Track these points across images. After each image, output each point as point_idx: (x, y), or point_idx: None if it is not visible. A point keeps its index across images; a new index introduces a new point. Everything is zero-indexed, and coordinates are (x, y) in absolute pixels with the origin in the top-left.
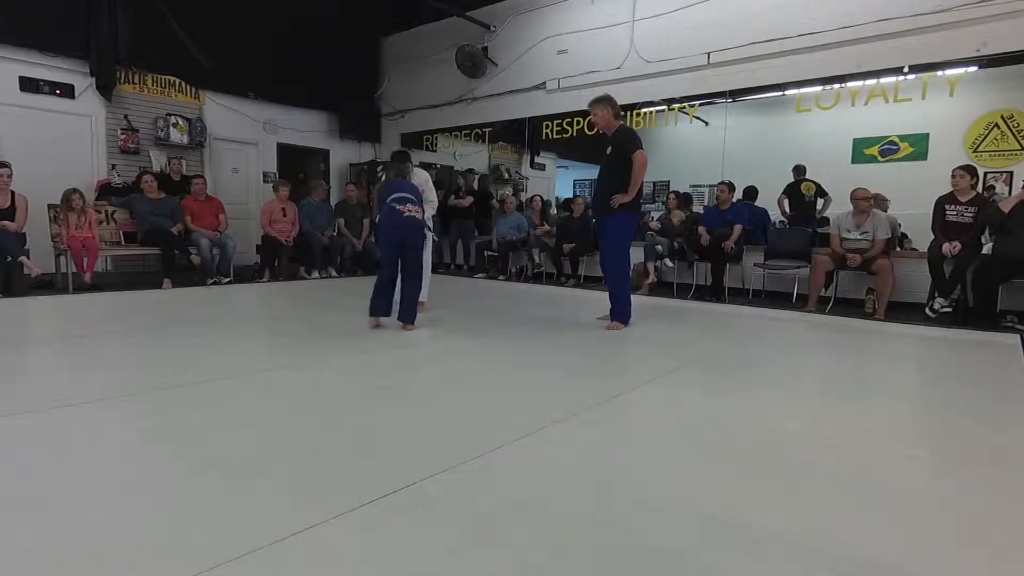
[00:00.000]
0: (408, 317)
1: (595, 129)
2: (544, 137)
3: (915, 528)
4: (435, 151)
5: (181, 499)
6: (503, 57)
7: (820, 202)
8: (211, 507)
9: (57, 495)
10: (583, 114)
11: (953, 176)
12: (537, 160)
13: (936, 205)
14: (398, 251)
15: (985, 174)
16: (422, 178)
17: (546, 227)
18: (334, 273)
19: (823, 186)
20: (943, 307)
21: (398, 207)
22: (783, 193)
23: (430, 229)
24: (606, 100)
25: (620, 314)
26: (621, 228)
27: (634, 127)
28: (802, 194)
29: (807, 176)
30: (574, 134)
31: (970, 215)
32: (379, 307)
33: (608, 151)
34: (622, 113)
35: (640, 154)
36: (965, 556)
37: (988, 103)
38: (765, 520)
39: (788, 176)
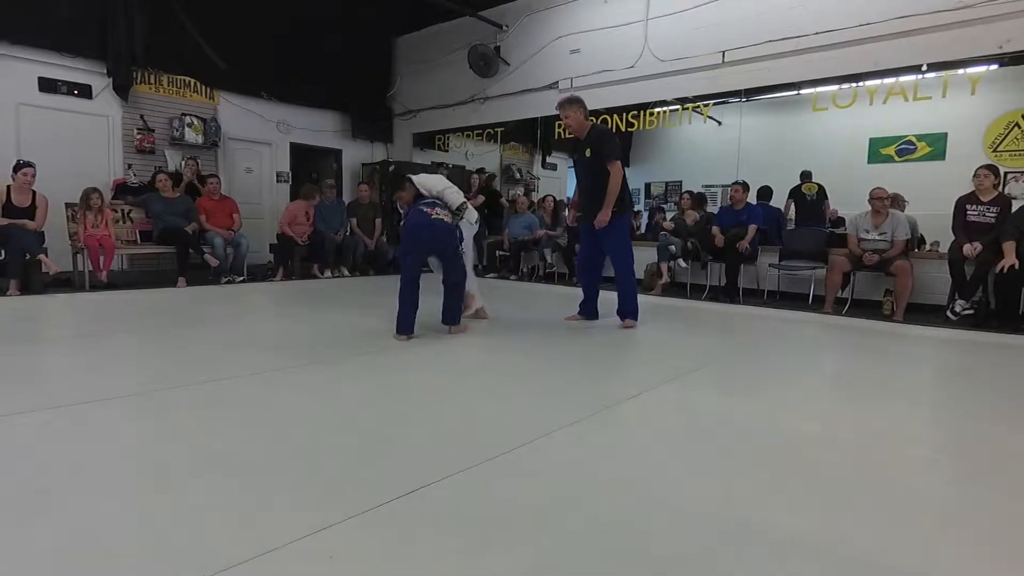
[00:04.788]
0: (453, 319)
1: (567, 132)
2: (556, 137)
3: (935, 533)
4: (447, 151)
5: (191, 499)
6: (515, 57)
7: (825, 207)
8: (221, 508)
9: (66, 494)
10: (594, 114)
11: (976, 175)
12: (548, 160)
13: (957, 205)
14: (422, 257)
15: (1005, 174)
16: (435, 183)
17: (544, 232)
18: (346, 272)
19: (826, 190)
20: (964, 309)
21: (425, 209)
22: (788, 198)
23: (461, 236)
24: (577, 101)
25: (633, 312)
26: (622, 231)
27: (648, 127)
28: (803, 194)
29: (812, 180)
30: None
31: (992, 215)
32: (406, 324)
33: (587, 153)
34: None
35: (617, 167)
36: (985, 559)
37: (1008, 102)
38: (783, 523)
39: None
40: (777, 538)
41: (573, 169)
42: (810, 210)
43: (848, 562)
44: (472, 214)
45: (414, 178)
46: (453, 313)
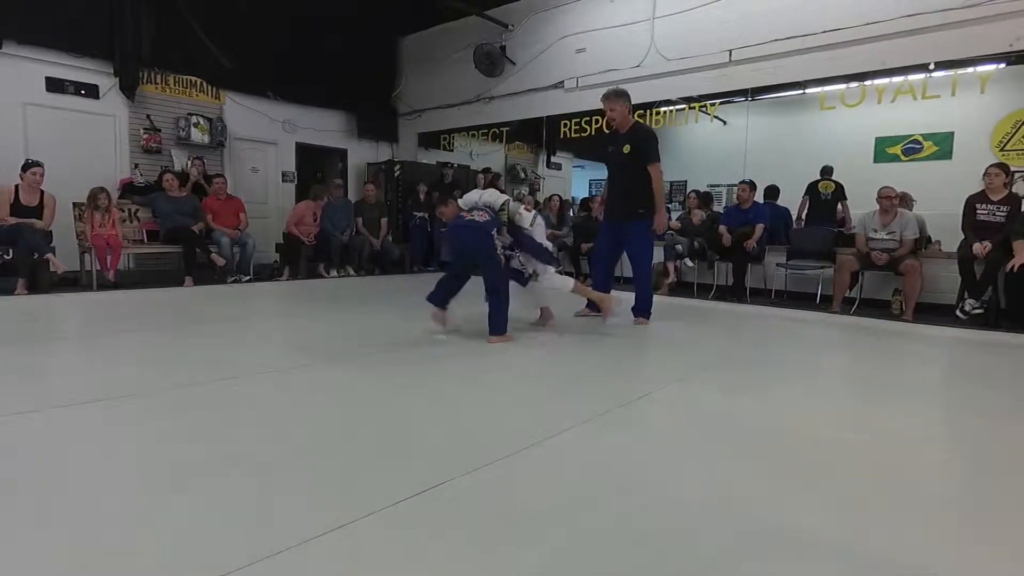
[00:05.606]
0: (492, 329)
1: (608, 125)
2: (562, 136)
3: (954, 532)
4: (452, 151)
5: (207, 498)
6: (521, 56)
7: (839, 207)
8: (239, 506)
9: (78, 496)
10: (601, 113)
11: (987, 174)
12: (553, 160)
13: (967, 204)
14: (463, 263)
15: (1013, 173)
16: (472, 195)
17: (550, 231)
18: (352, 272)
19: (845, 190)
20: (974, 309)
21: (463, 214)
22: (804, 194)
23: (505, 244)
24: (623, 95)
25: (648, 311)
26: (647, 233)
27: (654, 126)
28: (819, 191)
29: (832, 177)
30: (592, 133)
31: (1002, 214)
32: (435, 296)
33: (626, 150)
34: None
35: (659, 168)
36: (1006, 559)
37: (1016, 101)
38: (802, 522)
39: (809, 176)
40: (796, 538)
41: (605, 161)
42: (823, 209)
43: (869, 562)
44: (525, 217)
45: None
46: (491, 322)
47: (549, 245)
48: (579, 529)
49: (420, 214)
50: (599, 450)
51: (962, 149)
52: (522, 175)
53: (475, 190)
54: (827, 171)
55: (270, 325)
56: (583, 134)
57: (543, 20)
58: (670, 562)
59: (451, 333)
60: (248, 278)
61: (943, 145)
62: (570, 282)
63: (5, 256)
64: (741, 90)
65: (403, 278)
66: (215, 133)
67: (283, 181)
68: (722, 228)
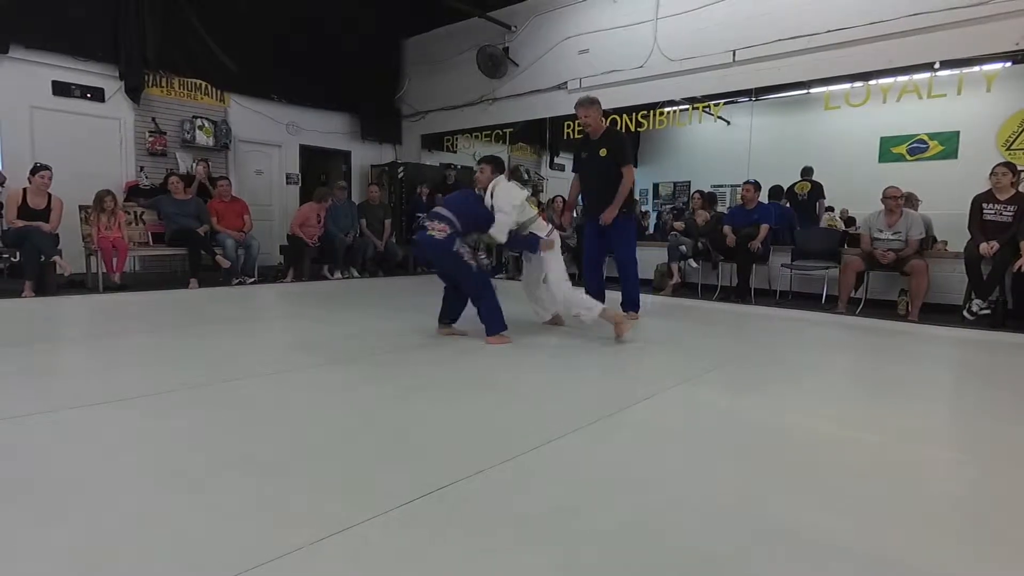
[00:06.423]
0: (488, 330)
1: (582, 130)
2: (565, 137)
3: (966, 533)
4: (455, 152)
5: (212, 499)
6: (524, 57)
7: (818, 205)
8: (244, 508)
9: (84, 495)
10: (604, 114)
11: (994, 173)
12: (556, 160)
13: (973, 204)
14: (434, 267)
15: (1019, 172)
16: (506, 194)
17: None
18: (355, 273)
19: (823, 188)
20: (981, 309)
21: (427, 223)
22: (783, 197)
23: (473, 251)
24: (596, 102)
25: (636, 303)
26: (629, 230)
27: (658, 126)
28: (795, 193)
29: (812, 178)
30: None
31: (1009, 213)
32: (441, 314)
33: (603, 153)
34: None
35: (632, 170)
36: (1003, 558)
37: (1022, 100)
38: (813, 523)
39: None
40: (809, 538)
41: (578, 167)
42: (802, 209)
43: (871, 561)
44: (498, 236)
45: (501, 178)
46: (485, 324)
47: (542, 234)
48: (582, 531)
49: (424, 215)
50: (607, 452)
51: (968, 148)
52: (526, 176)
53: (519, 192)
54: (806, 172)
55: (274, 327)
56: None
57: (546, 21)
58: (673, 562)
59: (455, 336)
60: (252, 280)
61: (949, 144)
62: (596, 308)
63: (13, 259)
64: (745, 90)
65: (406, 279)
66: (220, 135)
67: (287, 183)
68: (726, 228)
